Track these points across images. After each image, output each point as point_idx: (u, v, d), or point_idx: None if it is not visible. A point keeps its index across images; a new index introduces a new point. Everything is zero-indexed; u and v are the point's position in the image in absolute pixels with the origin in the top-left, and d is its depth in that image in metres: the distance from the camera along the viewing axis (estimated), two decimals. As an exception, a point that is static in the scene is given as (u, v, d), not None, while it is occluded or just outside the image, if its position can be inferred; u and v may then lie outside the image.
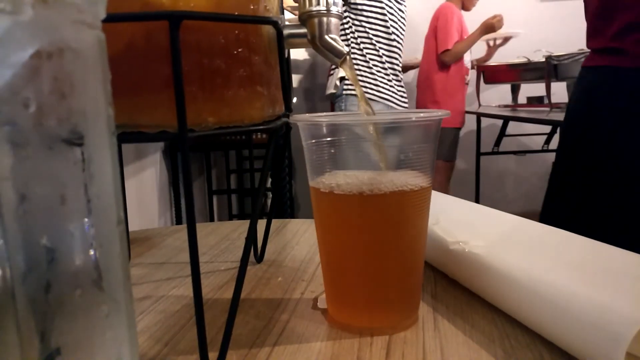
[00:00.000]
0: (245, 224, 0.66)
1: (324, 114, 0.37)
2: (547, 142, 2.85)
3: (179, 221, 2.03)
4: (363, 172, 0.34)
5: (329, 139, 0.34)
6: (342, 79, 1.57)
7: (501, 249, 0.38)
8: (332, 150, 0.35)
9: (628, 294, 0.29)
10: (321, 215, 0.36)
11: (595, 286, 0.30)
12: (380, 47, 1.58)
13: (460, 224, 0.44)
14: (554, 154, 2.91)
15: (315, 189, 0.35)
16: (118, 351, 0.21)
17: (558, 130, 2.71)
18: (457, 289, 0.41)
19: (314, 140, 0.35)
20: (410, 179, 0.33)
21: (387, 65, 1.60)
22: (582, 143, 0.72)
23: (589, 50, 0.76)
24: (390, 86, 1.61)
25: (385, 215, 0.33)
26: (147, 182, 1.82)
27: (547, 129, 2.75)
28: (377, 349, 0.32)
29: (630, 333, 0.26)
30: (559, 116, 1.79)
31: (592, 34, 0.73)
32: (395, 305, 0.35)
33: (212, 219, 2.40)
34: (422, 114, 0.33)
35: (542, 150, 2.89)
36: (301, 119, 0.34)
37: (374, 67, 1.57)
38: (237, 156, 2.74)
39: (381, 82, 1.58)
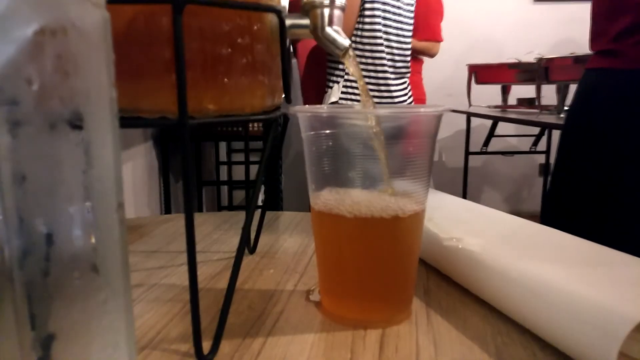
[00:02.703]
0: (236, 215, 0.66)
1: (324, 105, 0.37)
2: (535, 143, 2.88)
3: (167, 210, 2.01)
4: (365, 193, 0.34)
5: (328, 131, 0.34)
6: (331, 104, 1.47)
7: (495, 246, 0.38)
8: (331, 143, 0.34)
9: (621, 293, 0.29)
10: (318, 229, 0.36)
11: (589, 285, 0.30)
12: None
13: (454, 220, 0.44)
14: (541, 155, 2.92)
15: (314, 209, 0.35)
16: (115, 338, 0.21)
17: (546, 132, 2.75)
18: (450, 285, 0.41)
19: (313, 132, 0.35)
20: (408, 203, 0.34)
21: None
22: (580, 145, 0.73)
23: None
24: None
25: (383, 236, 0.34)
26: (135, 170, 1.81)
27: (535, 130, 2.78)
28: (370, 342, 0.32)
29: (623, 332, 0.26)
30: (549, 118, 1.81)
31: (596, 35, 0.74)
32: (389, 299, 0.35)
33: (200, 211, 2.39)
34: (422, 109, 0.33)
35: (530, 152, 2.92)
36: (301, 110, 0.34)
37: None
38: (228, 148, 2.72)
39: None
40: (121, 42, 0.27)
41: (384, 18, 1.36)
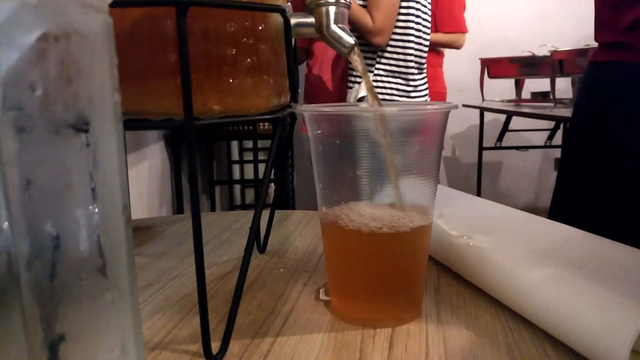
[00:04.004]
0: (247, 215, 0.66)
1: (331, 104, 0.37)
2: (550, 137, 2.84)
3: (180, 211, 2.03)
4: (372, 207, 0.34)
5: (334, 129, 0.34)
6: (360, 99, 1.46)
7: (505, 244, 0.37)
8: (338, 142, 0.34)
9: (633, 290, 0.29)
10: (327, 239, 0.36)
11: (600, 282, 0.30)
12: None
13: (465, 217, 0.44)
14: (556, 149, 2.88)
15: (322, 220, 0.36)
16: (122, 339, 0.21)
17: (561, 126, 2.71)
18: (461, 283, 0.41)
19: (319, 131, 0.35)
20: (416, 217, 0.34)
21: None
22: (589, 139, 0.71)
23: (595, 45, 0.75)
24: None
25: (392, 249, 0.34)
26: (148, 171, 1.82)
27: (550, 124, 2.74)
28: (380, 341, 0.32)
29: (635, 329, 0.26)
30: (563, 112, 1.79)
31: (601, 27, 0.72)
32: (398, 298, 0.35)
33: (213, 210, 2.40)
34: (429, 106, 0.33)
35: (545, 146, 2.88)
36: (307, 109, 0.34)
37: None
38: (239, 147, 2.73)
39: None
40: (126, 45, 0.27)
41: (417, 16, 1.36)
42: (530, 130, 2.92)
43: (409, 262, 0.34)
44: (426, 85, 1.47)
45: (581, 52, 1.75)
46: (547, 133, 2.85)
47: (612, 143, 0.67)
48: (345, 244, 0.35)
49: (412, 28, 1.35)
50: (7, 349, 0.18)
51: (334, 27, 0.36)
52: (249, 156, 2.77)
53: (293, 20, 0.35)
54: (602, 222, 0.66)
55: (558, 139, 2.80)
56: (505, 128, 2.71)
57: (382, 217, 0.33)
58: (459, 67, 2.88)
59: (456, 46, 1.89)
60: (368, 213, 0.33)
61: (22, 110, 0.17)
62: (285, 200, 2.22)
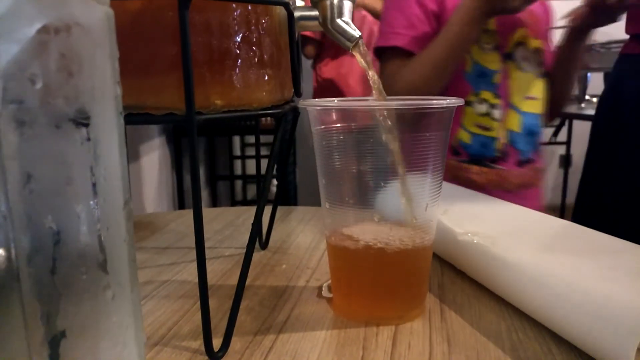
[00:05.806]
0: (249, 211, 0.66)
1: (334, 99, 0.36)
2: (555, 134, 2.82)
3: (181, 206, 2.03)
4: (378, 225, 0.34)
5: (338, 125, 0.34)
6: None
7: (510, 241, 0.37)
8: (341, 137, 0.34)
9: (641, 289, 0.28)
10: (332, 253, 0.36)
11: (606, 280, 0.30)
12: None
13: (469, 214, 0.44)
14: (561, 146, 2.84)
15: (329, 239, 0.35)
16: (123, 335, 0.21)
17: (566, 122, 2.69)
18: (465, 280, 0.40)
19: (322, 126, 0.34)
20: (421, 233, 0.33)
21: None
22: (612, 135, 0.70)
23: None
24: None
25: (400, 262, 0.34)
26: (149, 166, 1.82)
27: (556, 120, 2.72)
28: (383, 339, 0.32)
29: (643, 329, 0.25)
30: (569, 108, 1.78)
31: (631, 18, 0.70)
32: (401, 295, 0.35)
33: (214, 205, 2.40)
34: (434, 101, 0.32)
35: (550, 143, 2.87)
36: (311, 104, 0.33)
37: None
38: (241, 142, 2.73)
39: None
40: (127, 39, 0.27)
41: None
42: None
43: (414, 268, 0.34)
44: None
45: (592, 48, 1.73)
46: (552, 129, 2.83)
47: (628, 135, 0.65)
48: (351, 260, 0.35)
49: None
50: (8, 345, 0.17)
51: (338, 20, 0.36)
52: (250, 151, 2.76)
53: (297, 14, 0.35)
54: (628, 222, 0.65)
55: (563, 135, 2.78)
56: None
57: (389, 236, 0.33)
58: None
59: None
60: (375, 231, 0.33)
61: (22, 103, 0.17)
62: (288, 197, 2.22)
